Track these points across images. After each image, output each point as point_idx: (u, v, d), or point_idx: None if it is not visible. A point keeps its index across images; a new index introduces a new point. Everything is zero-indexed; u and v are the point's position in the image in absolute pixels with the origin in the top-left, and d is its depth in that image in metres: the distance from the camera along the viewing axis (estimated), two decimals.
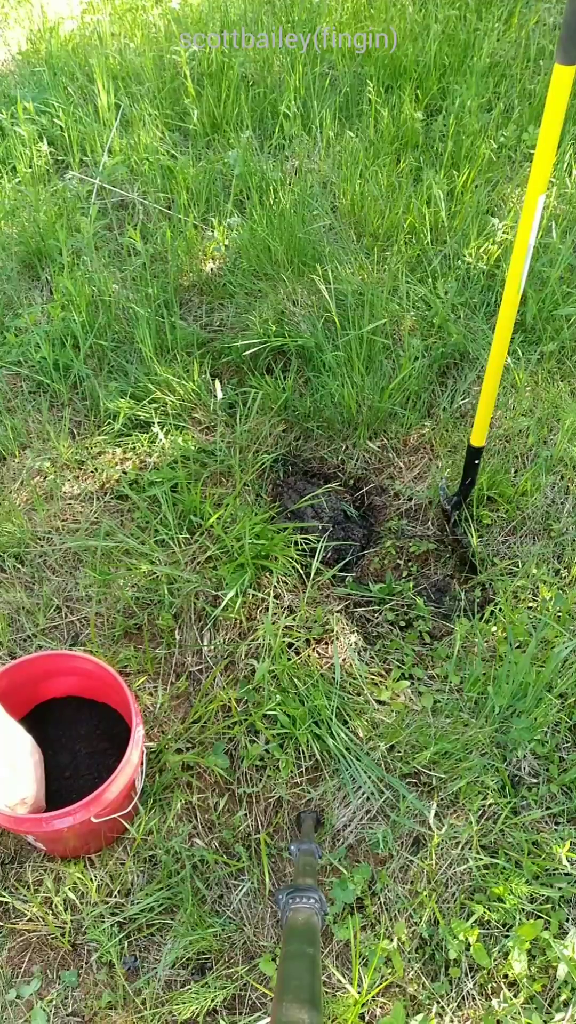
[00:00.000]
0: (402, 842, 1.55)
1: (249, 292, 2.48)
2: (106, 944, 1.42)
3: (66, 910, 1.48)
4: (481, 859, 1.49)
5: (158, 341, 2.32)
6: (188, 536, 1.93)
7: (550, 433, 2.17)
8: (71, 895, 1.47)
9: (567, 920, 1.44)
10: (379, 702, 1.70)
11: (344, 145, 2.81)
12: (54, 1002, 1.40)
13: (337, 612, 1.85)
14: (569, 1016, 1.35)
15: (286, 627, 1.77)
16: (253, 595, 1.83)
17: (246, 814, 1.59)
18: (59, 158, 3.05)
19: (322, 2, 3.50)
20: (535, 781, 1.61)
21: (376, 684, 1.73)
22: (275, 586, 1.88)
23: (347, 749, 1.61)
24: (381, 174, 2.67)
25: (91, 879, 1.48)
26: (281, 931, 1.20)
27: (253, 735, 1.67)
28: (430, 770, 1.59)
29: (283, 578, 1.89)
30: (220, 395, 2.22)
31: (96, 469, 2.12)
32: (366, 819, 1.57)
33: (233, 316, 2.44)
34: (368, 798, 1.58)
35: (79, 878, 1.48)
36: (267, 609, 1.80)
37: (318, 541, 2.01)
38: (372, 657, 1.79)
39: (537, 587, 1.86)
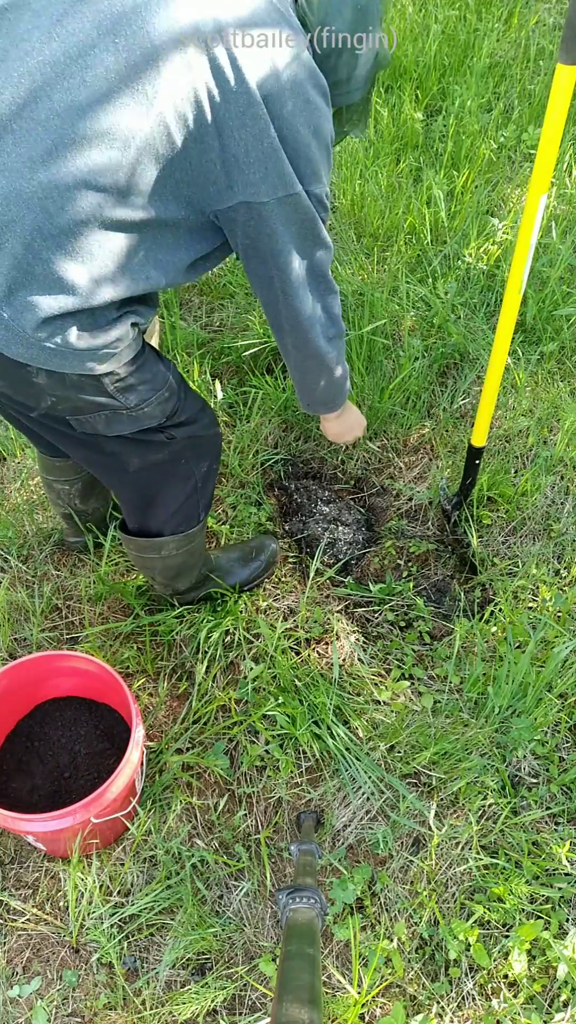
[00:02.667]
0: (402, 842, 1.55)
1: (249, 292, 2.48)
2: (106, 944, 1.42)
3: (66, 910, 1.48)
4: (481, 859, 1.49)
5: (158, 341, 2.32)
6: None
7: (550, 433, 2.17)
8: (71, 895, 1.47)
9: (567, 920, 1.44)
10: (379, 702, 1.70)
11: (344, 145, 2.81)
12: (54, 1001, 1.40)
13: (337, 612, 1.85)
14: (569, 1016, 1.35)
15: (286, 628, 1.77)
16: (253, 595, 1.83)
17: (246, 814, 1.59)
18: None
19: None
20: (535, 781, 1.61)
21: (376, 684, 1.73)
22: (275, 586, 1.89)
23: (347, 749, 1.61)
24: (381, 174, 2.67)
25: (91, 879, 1.48)
26: (281, 931, 1.20)
27: (253, 735, 1.67)
28: (430, 770, 1.59)
29: (283, 578, 1.90)
30: (220, 395, 2.22)
31: None
32: (366, 819, 1.57)
33: (233, 316, 2.44)
34: (368, 798, 1.58)
35: (79, 878, 1.48)
36: (267, 609, 1.80)
37: (318, 542, 2.01)
38: (372, 657, 1.79)
39: (537, 587, 1.86)
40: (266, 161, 1.03)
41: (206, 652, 1.76)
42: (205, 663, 1.73)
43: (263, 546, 1.86)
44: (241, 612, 1.79)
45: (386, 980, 1.40)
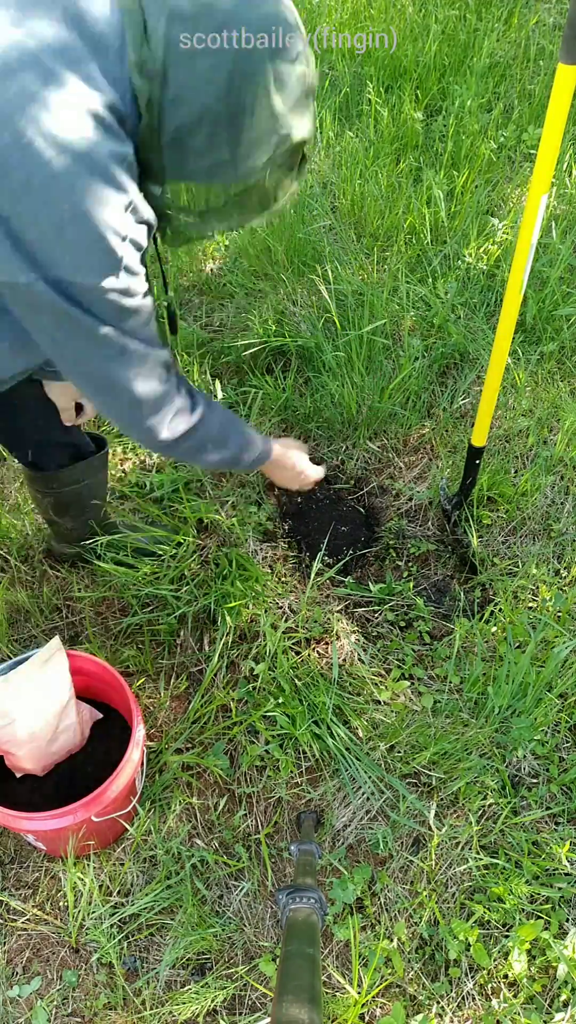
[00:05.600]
0: (402, 842, 1.55)
1: (249, 292, 2.48)
2: (106, 944, 1.42)
3: (66, 910, 1.48)
4: (481, 859, 1.49)
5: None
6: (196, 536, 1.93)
7: (550, 433, 2.17)
8: (70, 895, 1.47)
9: (567, 920, 1.44)
10: (379, 702, 1.70)
11: (344, 145, 2.81)
12: (54, 1001, 1.40)
13: (337, 612, 1.85)
14: (569, 1016, 1.35)
15: (287, 628, 1.77)
16: (254, 596, 1.83)
17: (246, 814, 1.59)
18: None
19: (322, 2, 3.50)
20: (535, 781, 1.61)
21: (376, 684, 1.73)
22: (276, 587, 1.88)
23: (347, 749, 1.61)
24: (381, 174, 2.67)
25: (91, 879, 1.48)
26: (281, 931, 1.20)
27: (252, 735, 1.67)
28: (430, 770, 1.59)
29: (283, 578, 1.89)
30: (220, 395, 2.22)
31: None
32: (366, 819, 1.57)
33: (233, 316, 2.44)
34: (368, 798, 1.58)
35: (79, 878, 1.48)
36: (267, 610, 1.80)
37: (318, 542, 2.01)
38: (372, 657, 1.79)
39: (537, 587, 1.86)
40: None
41: (207, 653, 1.76)
42: (216, 659, 1.73)
43: None
44: (243, 615, 1.79)
45: (386, 980, 1.40)
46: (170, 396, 1.13)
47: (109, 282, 0.89)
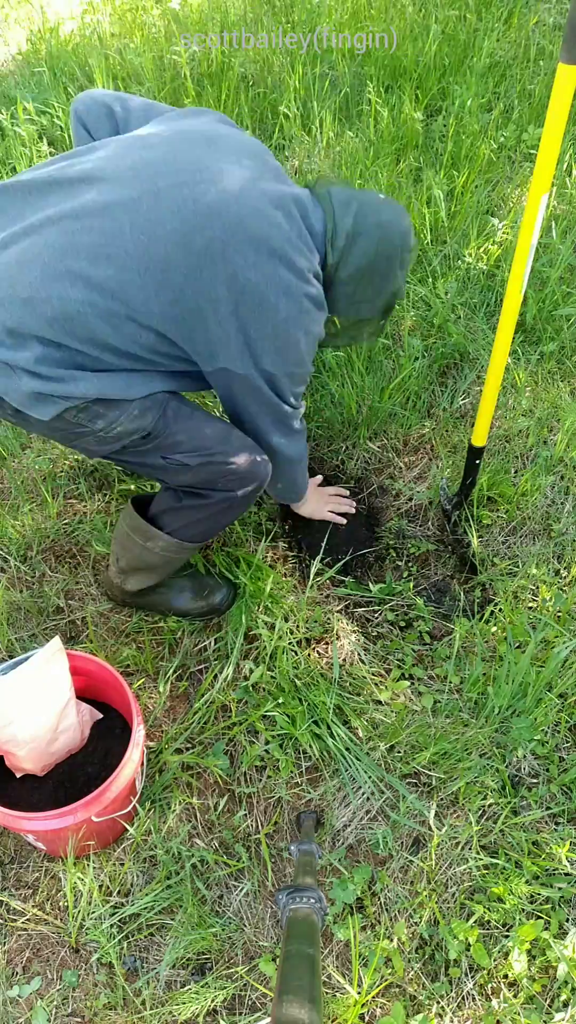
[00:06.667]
0: (402, 842, 1.55)
1: None
2: (106, 944, 1.42)
3: (66, 910, 1.48)
4: (481, 859, 1.49)
5: None
6: None
7: (550, 433, 2.17)
8: (70, 895, 1.47)
9: (567, 920, 1.44)
10: (379, 702, 1.70)
11: (344, 145, 2.81)
12: (54, 1001, 1.40)
13: (337, 612, 1.85)
14: (569, 1016, 1.35)
15: (287, 628, 1.77)
16: (254, 595, 1.83)
17: (246, 814, 1.59)
18: None
19: (322, 2, 3.50)
20: (535, 781, 1.61)
21: (376, 684, 1.72)
22: (275, 587, 1.88)
23: (347, 749, 1.61)
24: (381, 174, 2.67)
25: (91, 879, 1.48)
26: (281, 931, 1.20)
27: (252, 735, 1.67)
28: (430, 770, 1.59)
29: (283, 578, 1.89)
30: None
31: (96, 468, 2.12)
32: (366, 819, 1.57)
33: None
34: (368, 798, 1.58)
35: (79, 878, 1.48)
36: (267, 610, 1.80)
37: (318, 542, 2.01)
38: (372, 657, 1.79)
39: (537, 587, 1.86)
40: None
41: (207, 653, 1.75)
42: (217, 658, 1.72)
43: (216, 591, 1.81)
44: (243, 614, 1.79)
45: (386, 980, 1.40)
46: (299, 433, 1.61)
47: (293, 370, 1.42)
